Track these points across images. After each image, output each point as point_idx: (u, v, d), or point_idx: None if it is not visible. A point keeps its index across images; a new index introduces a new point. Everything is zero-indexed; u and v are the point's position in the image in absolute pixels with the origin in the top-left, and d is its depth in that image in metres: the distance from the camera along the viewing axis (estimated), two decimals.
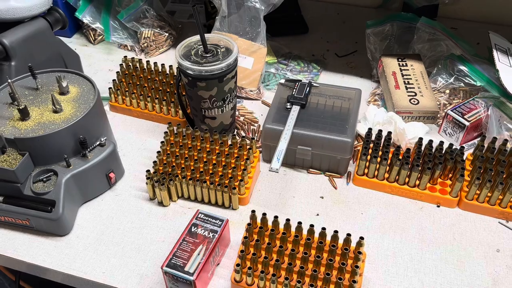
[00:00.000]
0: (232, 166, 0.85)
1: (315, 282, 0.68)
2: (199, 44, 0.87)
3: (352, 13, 1.34)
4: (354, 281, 0.67)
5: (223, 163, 0.85)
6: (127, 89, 1.01)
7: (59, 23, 1.01)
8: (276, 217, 0.75)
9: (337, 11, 1.35)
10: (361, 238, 0.71)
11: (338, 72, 1.15)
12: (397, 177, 0.84)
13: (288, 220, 0.74)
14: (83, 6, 1.21)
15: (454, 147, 0.85)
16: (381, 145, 0.87)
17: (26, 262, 0.77)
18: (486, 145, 0.85)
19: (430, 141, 0.86)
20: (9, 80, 0.79)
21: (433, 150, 0.85)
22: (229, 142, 0.88)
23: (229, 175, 0.83)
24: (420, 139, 0.86)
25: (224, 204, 0.84)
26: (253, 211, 0.75)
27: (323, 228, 0.72)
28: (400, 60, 1.04)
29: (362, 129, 0.95)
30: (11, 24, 0.94)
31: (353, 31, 1.27)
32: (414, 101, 0.96)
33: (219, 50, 0.87)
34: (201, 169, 0.84)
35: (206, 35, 0.87)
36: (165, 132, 0.89)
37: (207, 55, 0.86)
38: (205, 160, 0.85)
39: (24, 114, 0.80)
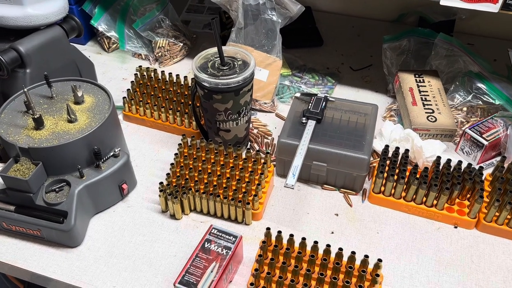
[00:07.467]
0: (246, 181, 0.84)
1: None
2: (216, 57, 0.86)
3: (367, 26, 1.33)
4: None
5: (237, 177, 0.84)
6: (141, 99, 1.01)
7: (75, 31, 1.01)
8: (291, 235, 0.73)
9: (352, 24, 1.34)
10: (379, 260, 0.69)
11: (353, 86, 1.14)
12: (414, 196, 0.83)
13: (304, 239, 0.72)
14: (98, 14, 1.21)
15: (472, 166, 0.83)
16: (398, 163, 0.86)
17: (36, 273, 0.76)
18: (506, 166, 0.84)
19: (448, 160, 0.84)
20: (25, 89, 0.78)
21: (451, 169, 0.83)
22: (244, 156, 0.87)
23: (243, 190, 0.82)
24: (438, 157, 0.85)
25: (237, 219, 0.83)
26: (268, 229, 0.74)
27: (340, 249, 0.71)
28: (417, 76, 1.03)
29: (378, 146, 0.94)
30: (27, 32, 0.94)
31: (368, 44, 1.26)
32: (431, 118, 0.94)
33: (236, 63, 0.86)
34: (215, 183, 0.83)
35: (223, 47, 0.86)
36: (179, 144, 0.88)
37: (224, 67, 0.85)
38: (218, 173, 0.84)
39: (39, 123, 0.79)
